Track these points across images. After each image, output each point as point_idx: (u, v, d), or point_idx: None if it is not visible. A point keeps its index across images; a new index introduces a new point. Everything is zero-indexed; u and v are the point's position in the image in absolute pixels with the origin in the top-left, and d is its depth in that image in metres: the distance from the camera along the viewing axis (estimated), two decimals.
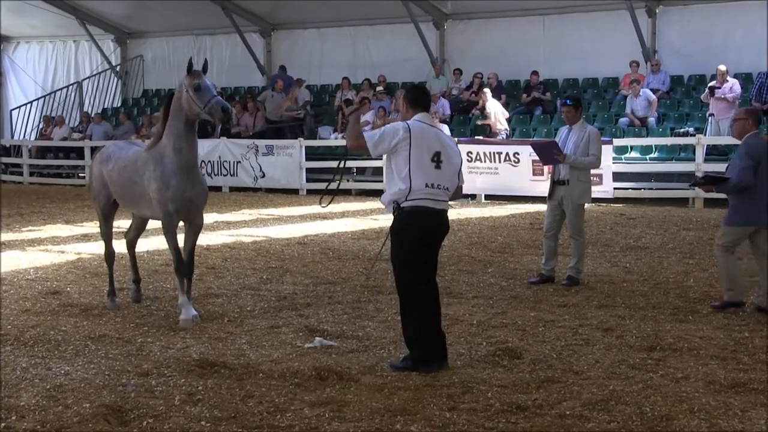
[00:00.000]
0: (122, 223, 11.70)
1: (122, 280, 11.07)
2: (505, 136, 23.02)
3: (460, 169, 7.88)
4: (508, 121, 23.92)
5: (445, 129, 23.41)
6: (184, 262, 9.30)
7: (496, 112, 23.29)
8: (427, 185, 7.47)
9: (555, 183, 11.34)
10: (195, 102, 8.81)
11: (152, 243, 13.77)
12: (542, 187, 20.42)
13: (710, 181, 10.31)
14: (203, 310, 9.58)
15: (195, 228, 9.42)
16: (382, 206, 7.92)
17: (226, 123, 9.57)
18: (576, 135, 11.24)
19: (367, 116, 23.11)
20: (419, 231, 7.55)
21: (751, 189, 9.47)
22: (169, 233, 9.25)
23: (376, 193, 7.24)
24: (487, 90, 23.76)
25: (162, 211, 9.12)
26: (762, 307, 9.51)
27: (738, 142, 10.03)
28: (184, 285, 9.26)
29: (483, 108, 23.57)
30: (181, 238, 9.40)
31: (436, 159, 7.52)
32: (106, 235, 10.31)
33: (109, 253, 10.29)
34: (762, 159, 9.50)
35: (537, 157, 20.18)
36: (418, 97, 7.88)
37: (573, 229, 11.28)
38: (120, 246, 10.68)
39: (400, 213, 7.54)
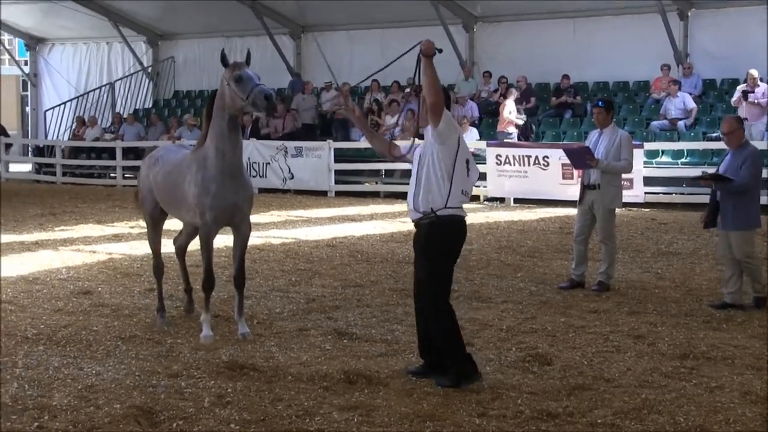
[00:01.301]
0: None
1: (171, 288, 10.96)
2: (515, 138, 22.96)
3: None
4: (538, 122, 23.85)
5: (474, 132, 23.42)
6: (212, 280, 8.86)
7: (508, 117, 23.24)
8: (462, 192, 7.24)
9: (585, 187, 11.23)
10: (237, 94, 8.28)
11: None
12: (572, 191, 20.32)
13: (715, 178, 10.23)
14: (232, 313, 9.52)
15: (242, 236, 8.88)
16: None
17: (270, 113, 8.93)
18: (607, 139, 11.14)
19: (396, 118, 23.06)
20: (455, 242, 7.34)
21: (751, 192, 10.10)
22: (205, 244, 8.78)
23: (405, 196, 7.10)
24: (513, 91, 23.74)
25: (200, 218, 8.68)
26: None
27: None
28: (210, 302, 8.86)
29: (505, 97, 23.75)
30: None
31: (467, 165, 7.31)
32: (154, 242, 9.71)
33: (158, 265, 9.72)
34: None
35: (567, 161, 20.25)
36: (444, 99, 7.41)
37: (604, 234, 11.18)
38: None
39: (436, 221, 7.18)
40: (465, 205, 7.36)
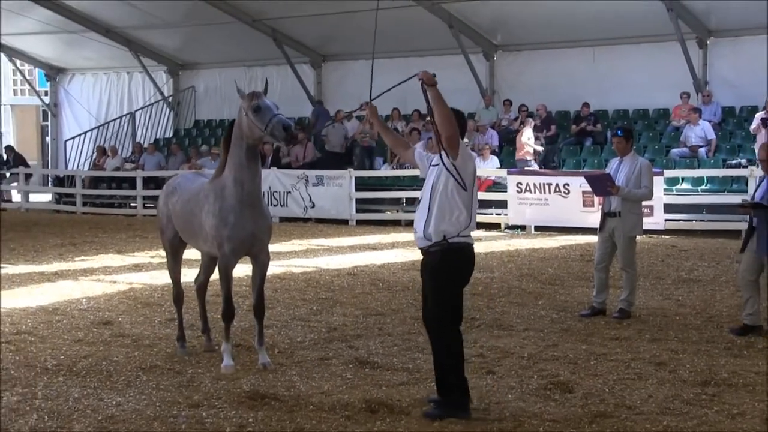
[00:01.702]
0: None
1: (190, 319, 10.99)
2: (535, 165, 23.01)
3: None
4: (559, 150, 23.91)
5: (495, 161, 23.47)
6: (232, 310, 8.82)
7: (526, 142, 23.31)
8: (474, 221, 7.26)
9: (606, 215, 11.26)
10: (255, 124, 8.27)
11: None
12: (593, 219, 20.27)
13: (754, 205, 10.21)
14: (253, 341, 9.55)
15: (261, 266, 8.81)
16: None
17: (290, 142, 8.83)
18: (627, 167, 11.20)
19: (417, 146, 23.07)
20: (466, 269, 7.30)
21: None
22: (224, 276, 8.73)
23: None
24: (530, 120, 23.84)
25: (218, 249, 8.64)
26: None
27: None
28: (230, 331, 8.84)
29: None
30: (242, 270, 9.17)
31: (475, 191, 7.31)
32: (174, 272, 9.66)
33: (178, 294, 9.67)
34: None
35: (588, 188, 20.22)
36: (457, 124, 7.32)
37: (624, 261, 11.20)
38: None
39: (448, 249, 7.12)
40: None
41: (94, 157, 32.29)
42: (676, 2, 22.77)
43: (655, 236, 19.23)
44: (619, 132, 11.53)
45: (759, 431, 6.73)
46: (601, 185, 11.31)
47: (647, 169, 11.26)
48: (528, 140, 23.39)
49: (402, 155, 7.91)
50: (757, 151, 20.80)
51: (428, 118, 24.71)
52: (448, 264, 7.15)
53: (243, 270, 10.90)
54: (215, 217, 8.56)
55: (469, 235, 7.22)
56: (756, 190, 10.52)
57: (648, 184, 11.20)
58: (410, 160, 7.73)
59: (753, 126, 21.32)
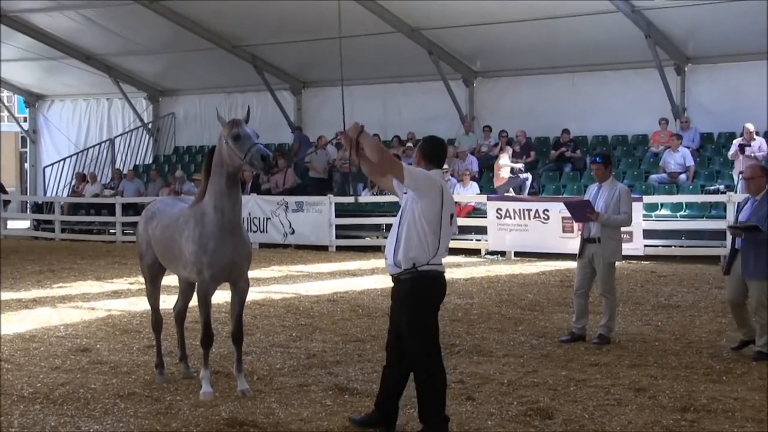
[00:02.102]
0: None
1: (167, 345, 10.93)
2: (509, 189, 23.18)
3: None
4: (538, 176, 24.04)
5: (474, 186, 23.53)
6: (210, 336, 8.80)
7: (503, 167, 23.51)
8: (446, 248, 7.21)
9: (585, 241, 11.31)
10: (235, 152, 8.28)
11: None
12: (572, 244, 20.35)
13: (746, 228, 10.25)
14: (232, 369, 9.52)
15: (240, 292, 8.81)
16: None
17: (268, 172, 8.83)
18: (606, 193, 11.27)
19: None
20: (437, 297, 7.26)
21: None
22: (203, 302, 8.72)
23: None
24: (508, 148, 23.96)
25: (198, 276, 8.64)
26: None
27: None
28: (209, 358, 8.82)
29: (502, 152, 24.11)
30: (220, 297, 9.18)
31: (451, 220, 7.23)
32: (153, 298, 9.64)
33: (156, 320, 9.63)
34: None
35: (567, 214, 20.31)
36: (434, 152, 7.36)
37: (604, 287, 11.24)
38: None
39: (418, 277, 7.10)
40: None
41: (73, 183, 32.19)
42: (654, 29, 22.95)
43: (635, 262, 19.30)
44: (597, 158, 11.59)
45: None
46: (581, 211, 11.36)
47: (626, 195, 11.32)
48: (502, 169, 23.45)
49: (380, 183, 7.82)
50: (735, 176, 21.05)
51: (408, 144, 24.88)
52: (418, 292, 7.13)
53: (222, 296, 10.88)
54: (195, 243, 8.54)
55: (440, 263, 7.18)
56: (739, 212, 10.58)
57: (627, 209, 11.25)
58: (389, 187, 7.68)
59: (731, 152, 21.50)
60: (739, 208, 10.78)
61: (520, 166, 23.93)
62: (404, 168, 7.06)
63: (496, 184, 23.56)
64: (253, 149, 8.20)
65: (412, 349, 7.21)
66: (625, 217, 11.26)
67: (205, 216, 8.55)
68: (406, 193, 7.28)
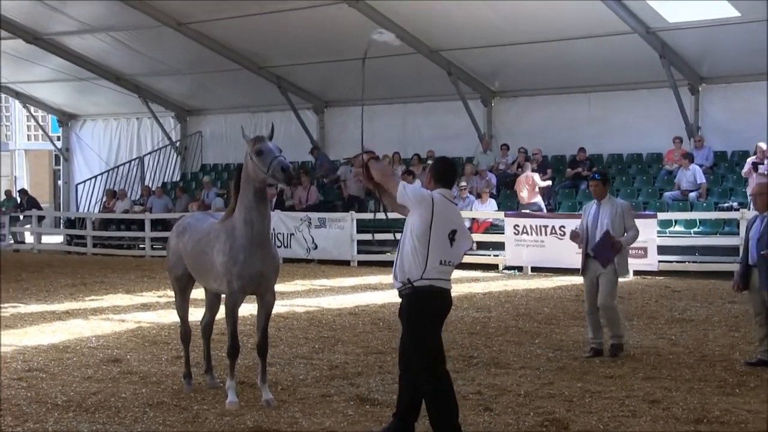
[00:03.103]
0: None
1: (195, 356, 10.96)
2: (541, 208, 23.16)
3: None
4: (554, 193, 24.03)
5: (492, 203, 23.53)
6: (237, 347, 8.87)
7: (521, 182, 23.52)
8: (441, 262, 7.12)
9: (589, 257, 11.14)
10: (259, 167, 8.38)
11: None
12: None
13: None
14: (257, 380, 9.56)
15: (267, 305, 8.89)
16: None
17: (289, 183, 8.93)
18: (608, 209, 11.07)
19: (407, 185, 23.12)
20: (435, 312, 7.22)
21: None
22: (230, 312, 8.79)
23: None
24: (528, 165, 23.96)
25: (227, 287, 8.71)
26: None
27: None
28: (235, 368, 8.88)
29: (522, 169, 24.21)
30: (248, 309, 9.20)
31: (452, 236, 7.18)
32: (182, 310, 9.72)
33: (185, 332, 9.72)
34: None
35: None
36: (443, 173, 7.44)
37: (605, 300, 11.01)
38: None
39: (414, 292, 7.13)
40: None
41: (104, 200, 32.39)
42: (669, 50, 22.92)
43: (649, 277, 19.25)
44: (596, 176, 11.41)
45: None
46: (606, 248, 10.95)
47: (628, 210, 11.22)
48: (534, 179, 23.48)
49: (395, 209, 7.77)
50: (748, 193, 20.97)
51: (429, 161, 24.85)
52: (412, 307, 7.17)
53: (247, 309, 10.94)
54: (225, 256, 8.63)
55: (438, 278, 7.14)
56: (749, 230, 10.58)
57: (633, 224, 11.16)
58: (404, 213, 7.64)
59: (745, 170, 21.44)
60: (749, 225, 10.79)
61: (548, 183, 23.93)
62: (399, 184, 7.19)
63: (528, 199, 23.47)
64: (274, 162, 8.31)
65: (413, 363, 7.23)
66: (635, 232, 11.17)
67: (235, 230, 8.63)
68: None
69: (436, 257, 7.09)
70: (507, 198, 24.50)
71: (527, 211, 22.67)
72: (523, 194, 23.49)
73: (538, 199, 23.45)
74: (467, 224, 23.36)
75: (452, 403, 7.22)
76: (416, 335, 7.19)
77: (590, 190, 11.58)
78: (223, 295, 9.08)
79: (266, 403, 8.68)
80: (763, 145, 21.07)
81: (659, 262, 19.75)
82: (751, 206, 20.01)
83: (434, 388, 7.16)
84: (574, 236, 11.36)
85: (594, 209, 11.20)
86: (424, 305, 7.16)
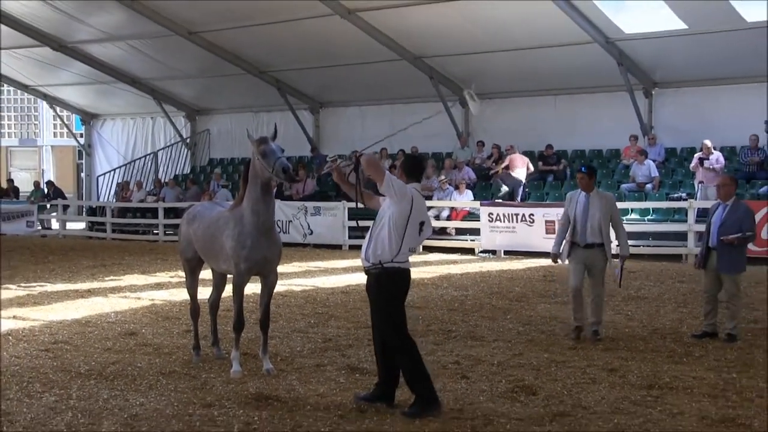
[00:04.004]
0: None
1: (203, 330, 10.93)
2: (522, 185, 23.23)
3: None
4: (525, 185, 24.09)
5: (469, 194, 23.52)
6: (242, 322, 8.90)
7: (515, 159, 23.62)
8: (409, 249, 7.31)
9: (582, 246, 10.39)
10: (264, 167, 8.44)
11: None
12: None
13: (745, 238, 10.43)
14: (258, 351, 9.54)
15: (269, 285, 8.91)
16: (401, 258, 7.31)
17: (291, 181, 8.99)
18: (597, 202, 10.41)
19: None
20: (401, 290, 7.34)
21: None
22: (237, 291, 8.82)
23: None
24: (514, 148, 24.00)
25: (235, 268, 8.73)
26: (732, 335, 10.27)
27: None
28: (239, 341, 8.89)
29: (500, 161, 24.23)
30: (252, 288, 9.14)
31: (421, 227, 7.34)
32: (191, 288, 9.72)
33: (194, 308, 9.72)
34: None
35: (550, 218, 20.39)
36: (414, 168, 7.55)
37: (598, 289, 10.41)
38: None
39: (384, 272, 7.23)
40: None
41: (120, 191, 32.31)
42: (626, 58, 22.95)
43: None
44: (583, 168, 10.68)
45: (695, 428, 6.76)
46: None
47: (615, 203, 10.72)
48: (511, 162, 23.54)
49: (368, 204, 7.85)
50: (696, 184, 21.07)
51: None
52: (381, 285, 7.28)
53: (250, 288, 10.89)
54: (234, 240, 8.65)
55: (404, 261, 7.26)
56: (711, 216, 10.59)
57: (619, 218, 10.70)
58: (376, 206, 7.71)
59: (692, 164, 21.52)
60: (710, 211, 10.76)
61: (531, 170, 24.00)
62: (387, 177, 7.21)
63: (520, 175, 23.57)
64: (277, 163, 8.35)
65: (387, 333, 7.32)
66: (623, 225, 10.76)
67: (243, 218, 8.65)
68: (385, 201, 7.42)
69: (407, 245, 7.24)
70: (482, 189, 24.50)
71: (502, 201, 22.70)
72: (520, 170, 23.48)
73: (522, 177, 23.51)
74: (446, 212, 23.40)
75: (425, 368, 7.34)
76: (386, 309, 7.30)
77: (578, 182, 10.65)
78: (230, 276, 9.09)
79: (267, 372, 8.68)
80: (708, 143, 21.15)
81: (616, 245, 19.71)
82: (699, 195, 20.24)
83: (409, 353, 7.25)
84: (554, 258, 10.81)
85: (583, 200, 10.46)
86: (391, 283, 7.27)
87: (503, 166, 23.76)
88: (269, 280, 8.92)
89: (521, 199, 23.30)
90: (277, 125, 9.01)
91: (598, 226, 10.35)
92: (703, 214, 20.05)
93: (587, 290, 10.59)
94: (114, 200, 32.11)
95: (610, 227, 10.60)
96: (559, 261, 10.77)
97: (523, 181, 23.57)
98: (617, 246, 10.68)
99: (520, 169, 23.58)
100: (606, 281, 10.55)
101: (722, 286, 10.45)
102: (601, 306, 10.50)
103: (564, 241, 10.70)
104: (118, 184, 32.96)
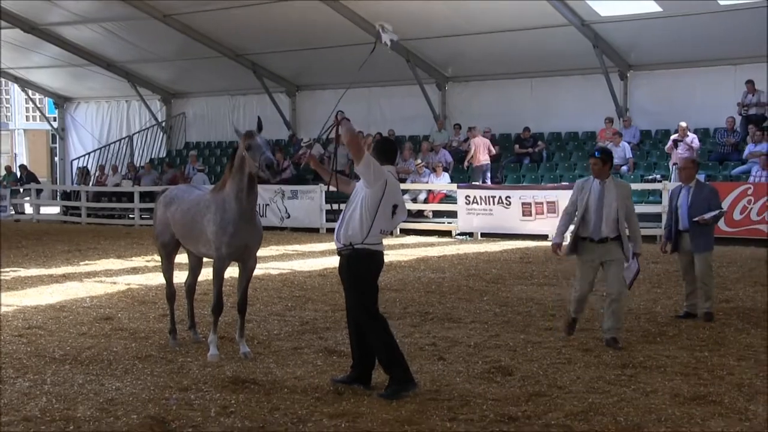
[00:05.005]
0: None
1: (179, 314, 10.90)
2: (487, 170, 23.21)
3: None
4: (501, 167, 24.11)
5: (446, 177, 23.56)
6: (221, 305, 8.86)
7: (479, 146, 23.44)
8: (381, 231, 7.30)
9: (594, 241, 9.03)
10: (250, 160, 8.47)
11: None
12: (530, 226, 20.56)
13: (716, 217, 10.60)
14: (235, 334, 9.54)
15: (248, 270, 8.92)
16: (376, 239, 7.31)
17: (275, 176, 9.04)
18: (614, 191, 9.04)
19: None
20: (373, 272, 7.35)
21: None
22: (217, 275, 8.80)
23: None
24: (475, 130, 23.96)
25: (216, 252, 8.70)
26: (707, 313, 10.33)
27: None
28: (217, 325, 8.87)
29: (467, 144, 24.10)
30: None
31: (393, 210, 7.34)
32: (168, 272, 9.63)
33: (171, 293, 9.63)
34: None
35: (527, 200, 20.49)
36: (387, 151, 7.55)
37: (619, 286, 9.00)
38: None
39: (355, 253, 7.25)
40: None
41: (96, 174, 32.08)
42: (601, 40, 23.03)
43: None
44: (596, 153, 9.22)
45: (668, 405, 6.83)
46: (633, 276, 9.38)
47: (630, 193, 9.35)
48: (475, 149, 23.50)
49: (343, 189, 7.88)
50: (670, 166, 21.19)
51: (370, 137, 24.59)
52: (351, 266, 7.31)
53: (228, 273, 10.87)
54: (216, 225, 8.64)
55: (375, 242, 7.27)
56: (676, 199, 10.69)
57: (633, 209, 9.29)
58: (348, 191, 7.74)
59: (667, 146, 21.66)
60: (673, 195, 10.86)
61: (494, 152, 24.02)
62: (365, 157, 7.20)
63: (476, 164, 23.51)
64: (262, 158, 8.40)
65: (359, 312, 7.35)
66: (636, 217, 9.38)
67: (226, 203, 8.65)
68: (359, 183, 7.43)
69: (378, 227, 7.23)
70: (459, 172, 24.54)
71: (479, 181, 22.74)
72: (481, 156, 23.47)
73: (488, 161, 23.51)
74: (423, 195, 23.43)
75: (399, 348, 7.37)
76: (357, 290, 7.32)
77: (591, 168, 9.23)
78: (206, 259, 9.09)
79: (244, 356, 8.67)
80: (683, 124, 21.27)
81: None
82: (673, 177, 20.33)
83: (381, 334, 7.26)
84: (556, 248, 9.40)
85: (597, 188, 9.07)
86: (362, 265, 7.29)
87: (468, 158, 23.70)
88: (248, 265, 8.92)
89: (492, 179, 23.40)
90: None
91: (615, 218, 8.96)
92: None
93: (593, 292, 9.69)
94: (90, 184, 31.85)
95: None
96: (559, 252, 9.37)
97: (488, 164, 23.56)
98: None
99: (483, 155, 23.56)
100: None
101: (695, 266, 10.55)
102: (621, 308, 9.08)
103: (568, 234, 9.44)
104: (78, 168, 32.80)
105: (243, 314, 8.93)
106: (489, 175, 23.54)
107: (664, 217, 19.55)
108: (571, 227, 9.44)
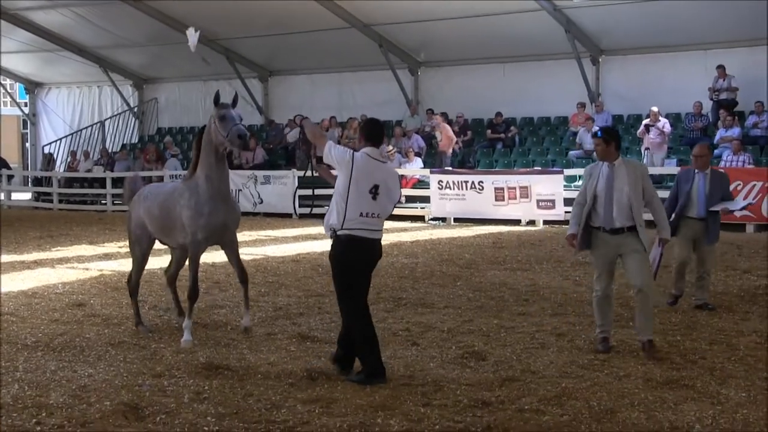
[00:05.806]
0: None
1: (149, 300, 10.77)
2: (449, 160, 23.27)
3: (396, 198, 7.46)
4: (474, 152, 24.12)
5: (419, 162, 23.54)
6: (197, 291, 8.77)
7: (445, 140, 23.52)
8: (361, 214, 7.07)
9: (609, 231, 8.05)
10: (219, 131, 8.38)
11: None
12: (503, 211, 20.61)
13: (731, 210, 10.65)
14: (209, 320, 9.51)
15: (232, 246, 8.93)
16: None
17: (244, 149, 8.94)
18: (624, 173, 8.00)
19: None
20: (355, 258, 7.16)
21: None
22: (193, 260, 8.75)
23: None
24: (439, 117, 23.94)
25: (191, 237, 8.62)
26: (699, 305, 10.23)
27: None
28: (192, 310, 8.79)
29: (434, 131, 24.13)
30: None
31: (374, 191, 7.12)
32: (138, 275, 9.49)
33: (134, 290, 9.49)
34: None
35: (500, 185, 20.53)
36: (371, 132, 7.35)
37: (642, 277, 8.03)
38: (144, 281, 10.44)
39: (337, 240, 7.17)
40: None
41: (68, 160, 31.79)
42: (573, 25, 23.08)
43: (557, 226, 19.43)
44: (599, 133, 8.19)
45: (641, 389, 6.86)
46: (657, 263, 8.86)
47: (647, 174, 8.31)
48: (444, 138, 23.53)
49: (325, 177, 7.80)
50: (642, 150, 21.26)
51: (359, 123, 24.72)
52: (335, 253, 7.22)
53: (202, 259, 10.80)
54: (191, 210, 8.58)
55: (356, 228, 7.09)
56: (688, 184, 10.13)
57: (654, 191, 8.21)
58: (332, 181, 7.66)
59: (639, 131, 21.72)
60: (682, 179, 10.27)
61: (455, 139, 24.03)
62: (326, 144, 7.26)
63: (444, 148, 23.53)
64: (233, 129, 8.33)
65: (342, 300, 7.29)
66: (659, 202, 8.32)
67: (198, 187, 8.60)
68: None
69: (355, 210, 7.07)
70: (432, 157, 24.52)
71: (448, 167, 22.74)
72: (448, 145, 23.47)
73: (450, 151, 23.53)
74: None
75: (376, 339, 7.32)
76: (340, 276, 7.24)
77: (595, 150, 8.37)
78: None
79: (245, 330, 8.80)
80: (655, 109, 21.30)
81: (565, 212, 19.93)
82: (646, 161, 20.43)
83: (359, 321, 7.20)
84: (571, 239, 8.38)
85: (606, 172, 8.05)
86: (345, 251, 7.15)
87: (441, 147, 23.72)
88: (229, 241, 8.92)
89: (469, 167, 23.43)
90: (221, 93, 8.84)
91: (628, 205, 7.95)
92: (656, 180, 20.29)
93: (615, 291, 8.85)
94: (61, 170, 31.55)
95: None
96: (575, 244, 8.34)
97: (448, 152, 23.59)
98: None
99: (448, 144, 23.59)
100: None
101: (697, 256, 10.27)
102: (648, 303, 8.05)
103: (580, 226, 8.29)
104: (44, 155, 32.51)
105: (246, 284, 9.01)
106: (448, 161, 23.55)
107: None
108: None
